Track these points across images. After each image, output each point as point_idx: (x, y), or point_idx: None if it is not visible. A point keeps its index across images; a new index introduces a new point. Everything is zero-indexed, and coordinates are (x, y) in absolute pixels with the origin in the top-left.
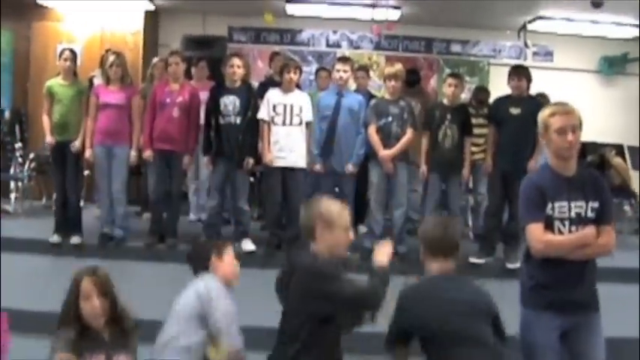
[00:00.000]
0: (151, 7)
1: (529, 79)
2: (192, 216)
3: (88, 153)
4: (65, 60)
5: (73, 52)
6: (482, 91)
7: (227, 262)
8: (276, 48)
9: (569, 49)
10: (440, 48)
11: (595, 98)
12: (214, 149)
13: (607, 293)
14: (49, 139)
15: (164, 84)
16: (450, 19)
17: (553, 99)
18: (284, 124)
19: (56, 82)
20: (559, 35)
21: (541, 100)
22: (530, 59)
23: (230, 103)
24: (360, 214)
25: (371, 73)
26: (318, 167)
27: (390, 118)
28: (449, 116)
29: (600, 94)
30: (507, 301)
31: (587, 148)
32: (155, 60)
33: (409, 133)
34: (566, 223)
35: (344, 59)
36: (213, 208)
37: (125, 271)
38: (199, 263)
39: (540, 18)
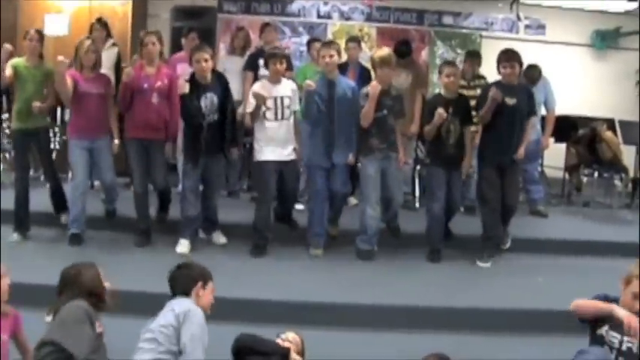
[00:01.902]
0: None
1: (521, 65)
2: (180, 187)
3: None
4: (30, 40)
5: (39, 32)
6: (474, 56)
7: (208, 292)
8: (267, 19)
9: (562, 23)
10: (431, 20)
11: (587, 72)
12: (194, 148)
13: (609, 267)
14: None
15: (139, 68)
16: None
17: (545, 72)
18: (276, 118)
19: (21, 63)
20: (551, 8)
21: (533, 73)
22: (522, 32)
23: (208, 102)
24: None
25: (362, 44)
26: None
27: (385, 111)
28: (450, 110)
29: (592, 68)
30: None
31: (578, 122)
32: (143, 32)
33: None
34: None
35: (328, 43)
36: (189, 209)
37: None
38: (181, 287)
39: None
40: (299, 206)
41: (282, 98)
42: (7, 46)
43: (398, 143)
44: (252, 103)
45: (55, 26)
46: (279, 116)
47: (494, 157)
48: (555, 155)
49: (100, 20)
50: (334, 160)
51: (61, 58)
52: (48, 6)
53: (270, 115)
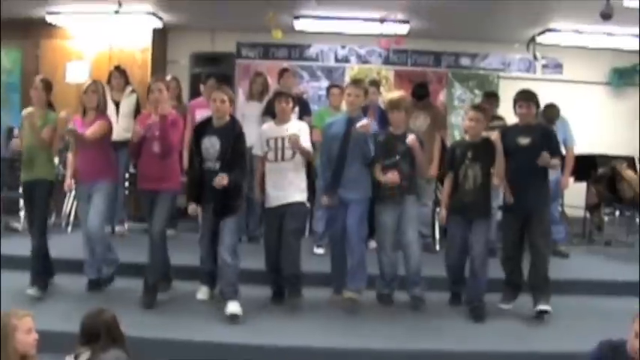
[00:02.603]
0: (159, 25)
1: (538, 105)
2: None
3: (67, 185)
4: (35, 89)
5: (44, 80)
6: (492, 97)
7: None
8: (285, 64)
9: (579, 62)
10: (449, 61)
11: (605, 110)
12: (197, 195)
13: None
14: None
15: (146, 117)
16: (458, 33)
17: (563, 112)
18: (275, 159)
19: (29, 113)
20: (568, 47)
21: (551, 112)
22: (540, 72)
23: (211, 145)
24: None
25: (381, 88)
26: (326, 200)
27: (397, 157)
28: (469, 154)
29: (610, 106)
30: None
31: (598, 160)
32: (167, 79)
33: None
34: None
35: (356, 82)
36: (204, 251)
37: None
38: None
39: (549, 30)
40: (319, 250)
41: (283, 139)
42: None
43: (416, 186)
44: (260, 147)
45: (76, 73)
46: (279, 157)
47: (513, 205)
48: (576, 194)
49: (118, 68)
50: (346, 198)
51: (63, 114)
52: (69, 53)
53: (270, 155)
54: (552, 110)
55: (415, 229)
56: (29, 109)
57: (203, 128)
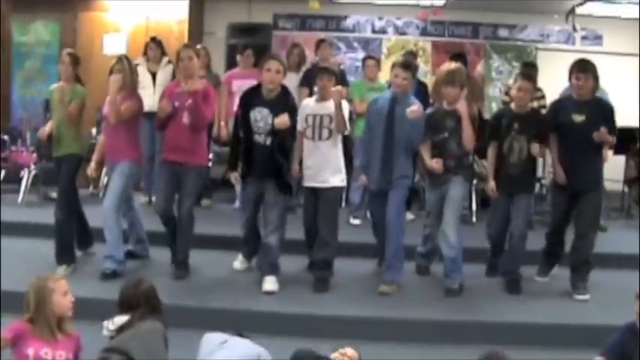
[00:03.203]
0: None
1: (596, 78)
2: (237, 204)
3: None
4: (62, 63)
5: (71, 54)
6: (530, 68)
7: None
8: (322, 35)
9: (619, 33)
10: (487, 33)
11: None
12: (242, 169)
13: None
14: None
15: (175, 85)
16: (496, 4)
17: (603, 84)
18: (312, 138)
19: (56, 89)
20: (608, 18)
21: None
22: (579, 43)
23: (261, 118)
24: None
25: (418, 59)
26: (364, 180)
27: (446, 134)
28: (516, 126)
29: None
30: None
31: (637, 133)
32: (197, 47)
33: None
34: None
35: (405, 65)
36: (245, 224)
37: None
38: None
39: (589, 0)
40: (355, 221)
41: (321, 117)
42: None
43: (464, 167)
44: (298, 123)
45: (114, 45)
46: (316, 136)
47: (565, 184)
48: (614, 168)
49: (154, 39)
50: (393, 183)
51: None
52: (106, 25)
53: (308, 133)
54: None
55: (455, 214)
56: (56, 85)
57: (250, 98)
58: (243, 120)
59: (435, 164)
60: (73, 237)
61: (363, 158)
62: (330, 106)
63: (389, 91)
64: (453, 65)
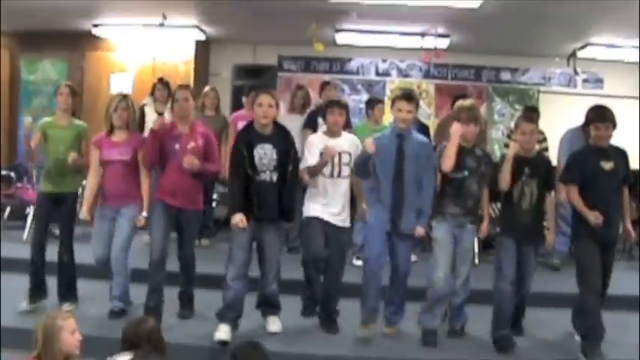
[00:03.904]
0: (202, 37)
1: (615, 125)
2: None
3: (83, 213)
4: (60, 94)
5: (69, 86)
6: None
7: None
8: (326, 77)
9: (620, 76)
10: (489, 76)
11: None
12: (242, 209)
13: None
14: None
15: (170, 127)
16: (499, 47)
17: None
18: (332, 175)
19: (50, 122)
20: (609, 62)
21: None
22: (580, 87)
23: (266, 155)
24: None
25: (420, 101)
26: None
27: (465, 172)
28: (526, 170)
29: None
30: None
31: (638, 175)
32: (206, 89)
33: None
34: None
35: (409, 97)
36: (235, 279)
37: None
38: None
39: (590, 45)
40: (358, 262)
41: (340, 154)
42: (28, 119)
43: (481, 212)
44: (310, 158)
45: (120, 85)
46: (335, 174)
47: (594, 231)
48: None
49: (161, 80)
50: (401, 228)
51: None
52: (113, 65)
53: (325, 170)
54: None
55: (469, 266)
56: (50, 119)
57: (248, 136)
58: (245, 159)
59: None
60: (75, 274)
61: (369, 196)
62: (345, 142)
63: (390, 128)
64: (468, 101)
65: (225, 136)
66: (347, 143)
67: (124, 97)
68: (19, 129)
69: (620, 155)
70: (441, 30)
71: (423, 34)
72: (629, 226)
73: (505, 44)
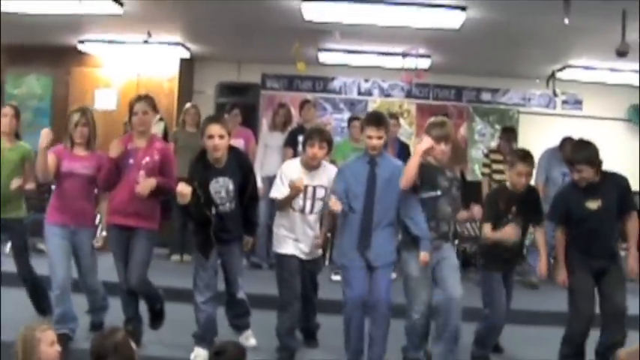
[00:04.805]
0: (187, 55)
1: (598, 164)
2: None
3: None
4: (4, 116)
5: (13, 107)
6: (510, 132)
7: None
8: (309, 95)
9: (598, 98)
10: (470, 96)
11: (625, 147)
12: (203, 242)
13: None
14: None
15: (127, 140)
16: (479, 68)
17: None
18: (302, 211)
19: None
20: (588, 83)
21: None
22: (560, 108)
23: (221, 187)
24: None
25: (401, 120)
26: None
27: (439, 192)
28: (514, 208)
29: (630, 143)
30: None
31: None
32: (187, 106)
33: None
34: None
35: (377, 121)
36: (202, 310)
37: None
38: None
39: (569, 67)
40: (336, 277)
41: (314, 188)
42: None
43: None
44: (281, 187)
45: (105, 101)
46: (307, 209)
47: (583, 263)
48: None
49: (146, 97)
50: (374, 262)
51: (45, 130)
52: (98, 80)
53: (296, 205)
54: (567, 143)
55: (459, 281)
56: None
57: (203, 170)
58: (199, 199)
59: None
60: (45, 289)
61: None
62: (323, 175)
63: (362, 153)
64: (440, 118)
65: None
66: (324, 176)
67: (84, 112)
68: None
69: (615, 186)
70: (422, 50)
71: (404, 55)
72: (633, 262)
73: (486, 65)
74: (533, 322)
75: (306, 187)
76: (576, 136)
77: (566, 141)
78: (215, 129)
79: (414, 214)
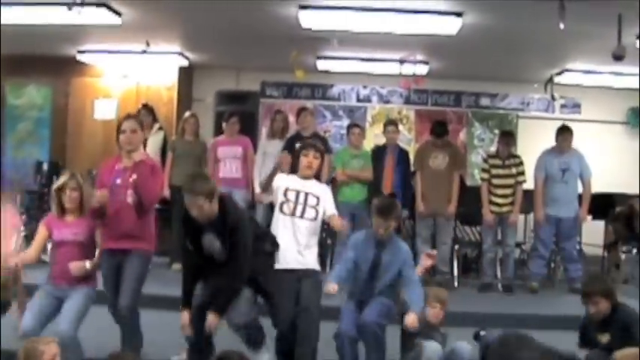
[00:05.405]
0: (185, 63)
1: (611, 294)
2: None
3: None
4: None
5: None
6: (508, 136)
7: None
8: (308, 103)
9: (597, 101)
10: (469, 101)
11: (623, 149)
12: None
13: None
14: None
15: (114, 161)
16: (478, 73)
17: (582, 151)
18: (294, 214)
19: None
20: (586, 87)
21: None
22: (558, 112)
23: (212, 244)
24: None
25: (401, 127)
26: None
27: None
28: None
29: (628, 145)
30: None
31: (615, 199)
32: (187, 114)
33: None
34: None
35: (386, 213)
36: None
37: None
38: None
39: (567, 71)
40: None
41: (307, 195)
42: None
43: None
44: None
45: (104, 111)
46: (298, 213)
47: None
48: (594, 233)
49: (145, 106)
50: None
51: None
52: (97, 90)
53: (286, 208)
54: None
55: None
56: None
57: (193, 226)
58: (193, 254)
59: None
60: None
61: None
62: (316, 187)
63: (371, 232)
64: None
65: (204, 161)
66: (317, 188)
67: (72, 175)
68: (4, 154)
69: (624, 325)
70: (420, 56)
71: (402, 61)
72: None
73: (484, 70)
74: (532, 327)
75: (297, 192)
76: (575, 140)
77: (562, 129)
78: (198, 200)
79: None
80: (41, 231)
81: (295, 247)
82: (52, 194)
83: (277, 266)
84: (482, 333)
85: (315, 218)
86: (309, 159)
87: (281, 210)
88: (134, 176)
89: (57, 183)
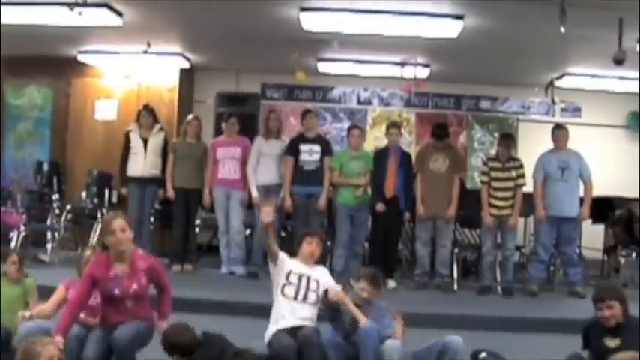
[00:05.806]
0: (186, 65)
1: (624, 301)
2: (223, 269)
3: None
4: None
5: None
6: (508, 139)
7: None
8: (309, 105)
9: (597, 105)
10: (469, 104)
11: (623, 153)
12: None
13: None
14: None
15: (104, 265)
16: (478, 76)
17: (581, 153)
18: (296, 297)
19: None
20: (586, 91)
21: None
22: (558, 115)
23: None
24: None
25: (402, 129)
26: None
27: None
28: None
29: (628, 149)
30: None
31: (614, 202)
32: (189, 117)
33: None
34: None
35: (372, 279)
36: None
37: None
38: None
39: (567, 74)
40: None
41: (308, 278)
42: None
43: None
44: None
45: (105, 111)
46: (301, 296)
47: None
48: (593, 236)
49: (146, 107)
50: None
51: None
52: (98, 90)
53: (289, 291)
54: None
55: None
56: None
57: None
58: None
59: None
60: None
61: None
62: (317, 272)
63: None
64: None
65: (205, 163)
66: (319, 273)
67: (94, 248)
68: (5, 154)
69: (633, 329)
70: (420, 59)
71: (403, 64)
72: None
73: (485, 73)
74: (532, 330)
75: (300, 275)
76: (576, 143)
77: (556, 127)
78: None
79: None
80: (60, 290)
81: (292, 326)
82: (80, 264)
83: (277, 327)
84: (481, 355)
85: (316, 302)
86: (312, 247)
87: (282, 292)
88: (134, 286)
89: (83, 257)
